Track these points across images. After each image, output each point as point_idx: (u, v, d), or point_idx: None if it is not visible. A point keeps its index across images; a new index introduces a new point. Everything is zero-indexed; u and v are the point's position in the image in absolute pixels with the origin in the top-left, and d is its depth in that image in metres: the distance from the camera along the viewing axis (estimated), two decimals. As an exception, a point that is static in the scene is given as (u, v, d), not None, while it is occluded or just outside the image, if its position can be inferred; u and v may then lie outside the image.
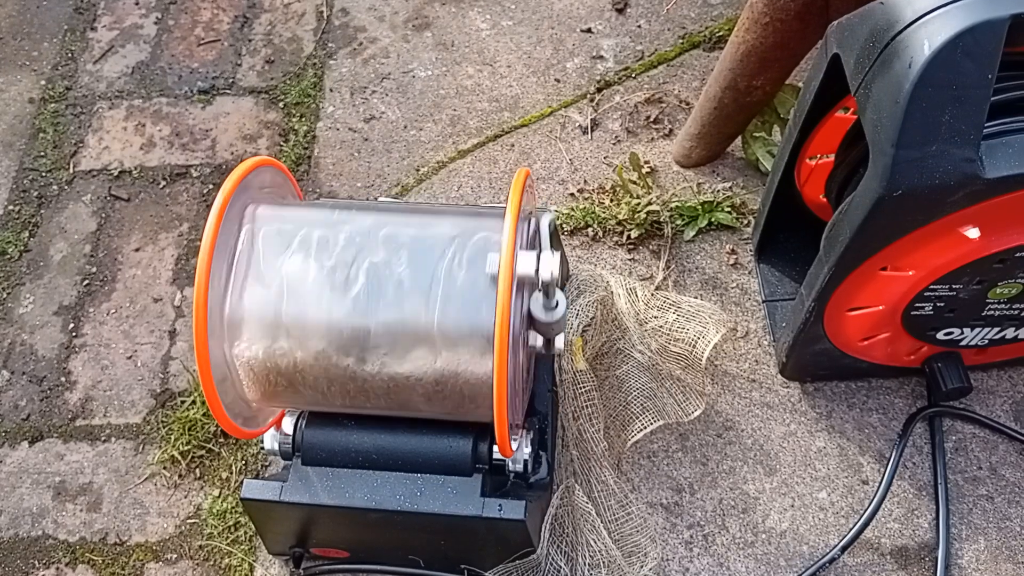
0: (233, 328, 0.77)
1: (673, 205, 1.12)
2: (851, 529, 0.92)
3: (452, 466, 0.80)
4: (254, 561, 0.96)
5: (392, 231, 0.78)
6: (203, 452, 1.03)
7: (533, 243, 0.81)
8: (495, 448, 0.80)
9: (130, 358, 1.11)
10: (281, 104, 1.30)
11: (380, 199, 1.18)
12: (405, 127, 1.26)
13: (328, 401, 0.82)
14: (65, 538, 1.00)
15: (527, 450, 0.82)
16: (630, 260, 1.11)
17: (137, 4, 1.43)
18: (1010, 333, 0.90)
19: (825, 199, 0.94)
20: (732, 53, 1.02)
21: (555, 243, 0.93)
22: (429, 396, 0.78)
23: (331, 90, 1.30)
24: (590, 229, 1.13)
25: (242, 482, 0.84)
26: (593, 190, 1.16)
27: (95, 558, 0.98)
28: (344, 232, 0.80)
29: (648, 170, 1.17)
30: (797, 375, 1.01)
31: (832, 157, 0.91)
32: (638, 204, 1.11)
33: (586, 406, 0.94)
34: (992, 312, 0.86)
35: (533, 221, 0.82)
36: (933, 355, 0.94)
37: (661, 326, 1.00)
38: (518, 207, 0.73)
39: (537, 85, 1.28)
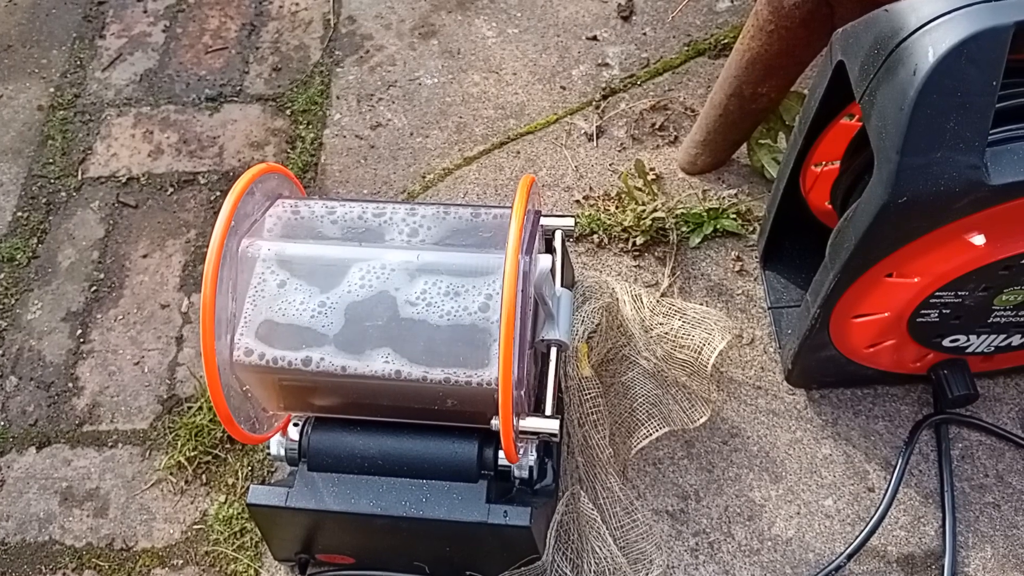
0: (240, 334, 0.77)
1: (678, 212, 1.12)
2: (857, 537, 0.92)
3: (458, 472, 0.80)
4: (260, 567, 0.96)
5: (402, 247, 0.78)
6: (209, 458, 1.03)
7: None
8: (501, 454, 0.80)
9: (137, 364, 1.11)
10: (288, 111, 1.31)
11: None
12: (411, 134, 1.26)
13: (334, 406, 0.82)
14: (72, 543, 1.00)
15: (532, 456, 0.82)
16: (635, 267, 1.11)
17: (145, 12, 1.44)
18: (1016, 340, 0.90)
19: (830, 206, 0.94)
20: (737, 60, 1.02)
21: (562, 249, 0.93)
22: (436, 401, 0.78)
23: (338, 97, 1.31)
24: (595, 236, 1.13)
25: (248, 488, 0.84)
26: (599, 197, 1.17)
27: (101, 563, 0.99)
28: (354, 235, 0.80)
29: (653, 177, 1.17)
30: (803, 382, 1.01)
31: (837, 164, 0.91)
32: (643, 211, 1.11)
33: (591, 412, 0.94)
34: (998, 319, 0.86)
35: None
36: (939, 362, 0.94)
37: (667, 332, 1.00)
38: (523, 214, 0.73)
39: (543, 92, 1.28)
